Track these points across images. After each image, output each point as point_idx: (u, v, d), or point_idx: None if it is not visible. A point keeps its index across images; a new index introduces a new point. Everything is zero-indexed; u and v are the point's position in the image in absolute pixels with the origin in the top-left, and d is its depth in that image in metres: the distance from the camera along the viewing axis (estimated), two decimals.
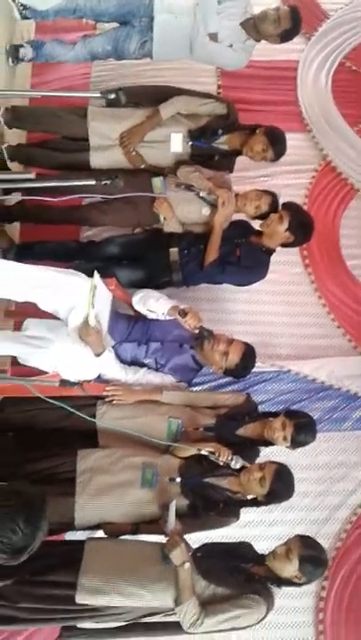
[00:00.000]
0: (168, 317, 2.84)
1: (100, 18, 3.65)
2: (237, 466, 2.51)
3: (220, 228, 3.13)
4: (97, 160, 3.29)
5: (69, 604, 2.31)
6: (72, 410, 2.42)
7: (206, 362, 2.86)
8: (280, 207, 3.12)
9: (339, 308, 3.77)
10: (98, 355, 2.65)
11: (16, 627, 2.60)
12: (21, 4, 3.51)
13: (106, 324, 2.77)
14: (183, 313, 2.79)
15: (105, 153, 3.27)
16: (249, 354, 2.80)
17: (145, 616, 2.39)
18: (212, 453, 2.50)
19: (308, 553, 2.37)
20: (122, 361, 2.84)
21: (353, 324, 3.75)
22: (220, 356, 2.75)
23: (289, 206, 3.11)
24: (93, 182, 2.73)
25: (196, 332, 2.80)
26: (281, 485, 2.51)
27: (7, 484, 1.84)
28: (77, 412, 2.43)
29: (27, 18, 3.63)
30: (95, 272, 2.72)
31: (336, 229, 3.92)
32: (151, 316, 2.88)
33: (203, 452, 2.51)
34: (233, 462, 2.50)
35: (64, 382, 2.43)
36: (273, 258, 3.21)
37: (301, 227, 3.11)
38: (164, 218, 3.20)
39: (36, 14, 3.56)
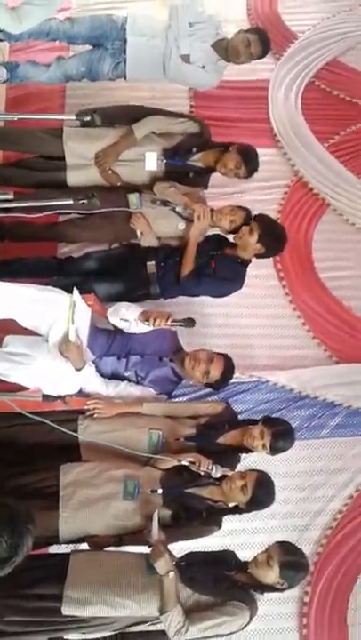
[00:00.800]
0: (140, 324, 2.87)
1: (73, 40, 3.74)
2: (218, 475, 2.55)
3: (194, 240, 3.18)
4: (73, 178, 3.34)
5: (56, 616, 2.31)
6: (54, 425, 2.45)
7: (186, 376, 2.91)
8: (253, 218, 3.18)
9: (313, 320, 3.84)
10: (78, 369, 2.68)
11: None
12: None
13: (85, 339, 2.81)
14: (146, 318, 2.83)
15: (81, 172, 3.33)
16: (229, 369, 2.86)
17: (131, 625, 2.40)
18: (193, 463, 2.53)
19: (289, 559, 2.41)
20: (102, 375, 2.86)
21: (328, 334, 3.83)
22: (201, 375, 2.81)
23: (259, 219, 3.17)
24: (71, 201, 2.78)
25: (173, 328, 2.86)
26: (262, 492, 2.55)
27: None
28: (59, 427, 2.46)
29: (1, 40, 3.69)
30: (74, 289, 2.77)
31: (309, 243, 4.01)
32: (124, 325, 2.91)
33: (183, 463, 2.55)
34: (213, 471, 2.54)
35: (47, 397, 2.46)
36: (248, 272, 3.26)
37: (272, 238, 3.15)
38: (141, 233, 3.26)
39: (10, 37, 3.62)
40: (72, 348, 2.64)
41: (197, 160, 3.40)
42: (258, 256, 3.21)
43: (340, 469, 3.55)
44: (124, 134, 3.31)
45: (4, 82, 3.73)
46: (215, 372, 2.81)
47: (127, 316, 2.89)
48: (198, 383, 2.90)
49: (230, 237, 3.30)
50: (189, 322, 2.89)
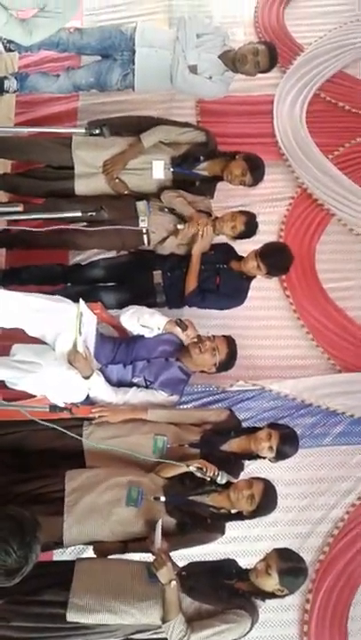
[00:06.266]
0: (162, 332, 2.92)
1: (82, 51, 3.79)
2: (223, 481, 2.56)
3: (197, 258, 3.23)
4: (81, 187, 3.37)
5: (60, 623, 2.34)
6: (63, 430, 2.47)
7: (197, 368, 2.95)
8: (258, 254, 3.15)
9: (317, 329, 3.87)
10: (86, 377, 2.72)
11: None
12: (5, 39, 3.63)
13: (92, 348, 2.84)
14: (185, 326, 2.90)
15: (89, 180, 3.36)
16: (232, 341, 2.94)
17: (134, 633, 2.43)
18: (200, 469, 2.55)
19: (287, 565, 2.43)
20: (109, 383, 2.88)
21: (331, 343, 3.86)
22: (211, 354, 2.86)
23: (265, 255, 3.14)
24: (79, 214, 2.81)
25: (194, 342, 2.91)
26: (268, 501, 2.59)
27: (0, 509, 1.89)
28: (69, 432, 2.49)
29: (11, 50, 3.73)
30: (80, 300, 2.80)
31: (312, 254, 4.03)
32: (143, 331, 2.95)
33: (191, 469, 2.56)
34: (219, 478, 2.55)
35: (54, 408, 2.49)
36: (252, 283, 3.31)
37: (278, 269, 3.27)
38: (164, 239, 3.28)
39: (20, 47, 3.66)
40: (80, 358, 2.67)
41: (204, 169, 3.43)
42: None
43: (342, 477, 3.58)
44: (132, 143, 3.35)
45: (14, 92, 3.77)
46: (222, 348, 2.87)
47: (151, 325, 2.94)
48: (211, 368, 2.91)
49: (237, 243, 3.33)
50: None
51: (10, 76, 3.74)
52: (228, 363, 2.94)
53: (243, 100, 4.27)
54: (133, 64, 3.60)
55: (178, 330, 2.93)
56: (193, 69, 3.58)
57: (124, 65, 3.64)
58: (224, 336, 2.95)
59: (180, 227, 3.25)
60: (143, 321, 2.94)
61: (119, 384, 2.92)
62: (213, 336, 2.92)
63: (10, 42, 3.61)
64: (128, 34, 3.62)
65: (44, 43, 3.58)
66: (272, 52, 3.52)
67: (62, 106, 4.12)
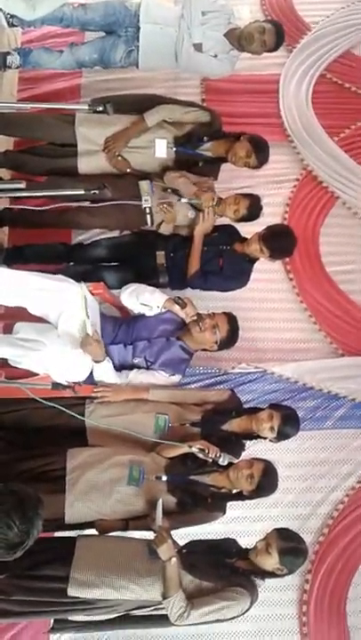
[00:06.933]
0: (162, 310, 2.91)
1: (86, 27, 3.73)
2: (225, 462, 2.57)
3: (199, 240, 3.20)
4: (84, 165, 3.34)
5: (62, 597, 2.37)
6: (64, 409, 2.47)
7: (198, 346, 2.93)
8: (261, 237, 3.12)
9: (320, 313, 3.86)
10: (98, 362, 2.70)
11: (9, 619, 2.64)
12: (8, 14, 3.58)
13: (99, 329, 2.82)
14: (183, 303, 2.88)
15: (92, 158, 3.33)
16: (233, 317, 2.92)
17: (134, 609, 2.46)
18: (202, 450, 2.56)
19: (287, 545, 2.45)
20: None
21: (334, 327, 3.85)
22: (211, 332, 2.84)
23: (268, 238, 3.11)
24: (82, 192, 2.78)
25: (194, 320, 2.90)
26: (267, 482, 2.59)
27: (3, 485, 1.89)
28: (68, 411, 2.49)
29: (14, 25, 3.69)
30: (82, 282, 2.78)
31: (316, 237, 4.01)
32: (143, 309, 2.93)
33: (193, 450, 2.57)
34: (221, 459, 2.56)
35: (56, 385, 2.49)
36: (256, 265, 3.29)
37: (281, 253, 3.26)
38: (162, 221, 3.25)
39: (24, 22, 3.62)
40: (92, 342, 2.64)
41: (208, 149, 3.39)
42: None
43: (343, 460, 3.60)
44: (135, 121, 3.31)
45: (17, 67, 3.72)
46: (223, 324, 2.85)
47: (151, 303, 2.92)
48: (213, 345, 2.89)
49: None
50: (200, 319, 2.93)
51: (13, 51, 3.69)
52: (229, 340, 2.91)
53: (248, 79, 4.21)
54: (138, 41, 3.55)
55: (177, 307, 2.91)
56: (198, 47, 3.53)
57: (129, 42, 3.58)
58: (224, 313, 2.92)
59: (190, 215, 3.22)
60: (143, 299, 2.92)
61: (120, 364, 2.91)
62: (213, 313, 2.90)
63: (13, 17, 3.57)
64: (133, 10, 3.57)
65: (48, 18, 3.54)
66: (279, 31, 3.47)
67: (65, 82, 4.07)
